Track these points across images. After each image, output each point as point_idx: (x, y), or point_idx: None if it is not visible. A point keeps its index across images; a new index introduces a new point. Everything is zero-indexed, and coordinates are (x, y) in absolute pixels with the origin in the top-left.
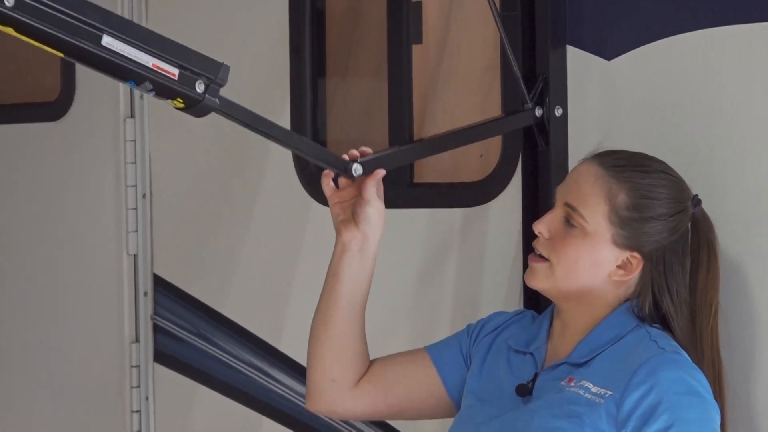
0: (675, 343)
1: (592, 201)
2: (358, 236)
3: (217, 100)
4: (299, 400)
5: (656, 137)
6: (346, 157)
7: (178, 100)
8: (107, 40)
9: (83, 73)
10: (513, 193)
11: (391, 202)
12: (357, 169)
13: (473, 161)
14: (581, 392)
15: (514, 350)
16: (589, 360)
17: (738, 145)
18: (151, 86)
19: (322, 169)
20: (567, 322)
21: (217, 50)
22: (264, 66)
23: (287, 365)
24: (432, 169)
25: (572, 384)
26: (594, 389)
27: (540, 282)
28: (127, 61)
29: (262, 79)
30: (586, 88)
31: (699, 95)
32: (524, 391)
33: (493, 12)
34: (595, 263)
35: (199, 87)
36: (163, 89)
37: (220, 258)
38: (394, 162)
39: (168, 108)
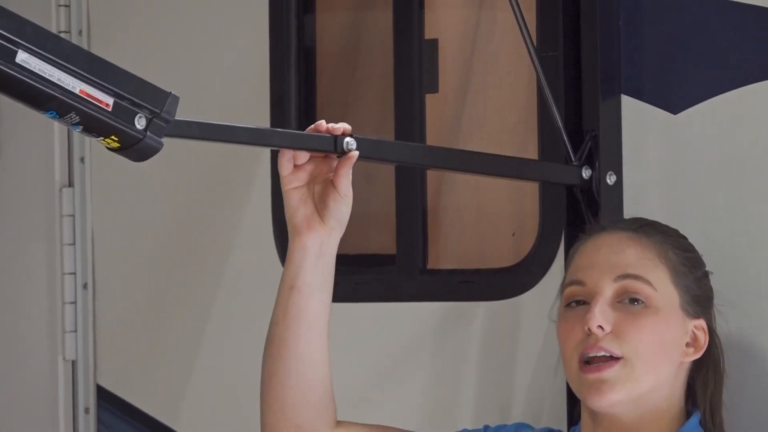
0: None
1: (648, 264)
2: (323, 238)
3: (162, 141)
4: None
5: (735, 206)
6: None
7: (113, 138)
8: (23, 57)
9: (8, 129)
10: (553, 282)
11: (398, 293)
12: (350, 144)
13: (503, 241)
14: None
15: None
16: None
17: None
18: (77, 118)
19: None
20: None
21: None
22: (237, 122)
23: None
24: (450, 252)
25: None
26: None
27: (618, 392)
28: (47, 85)
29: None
30: (646, 148)
31: None
32: None
33: (529, 50)
34: (675, 343)
35: (140, 122)
36: (92, 123)
37: (179, 365)
38: (395, 154)
39: (116, 175)
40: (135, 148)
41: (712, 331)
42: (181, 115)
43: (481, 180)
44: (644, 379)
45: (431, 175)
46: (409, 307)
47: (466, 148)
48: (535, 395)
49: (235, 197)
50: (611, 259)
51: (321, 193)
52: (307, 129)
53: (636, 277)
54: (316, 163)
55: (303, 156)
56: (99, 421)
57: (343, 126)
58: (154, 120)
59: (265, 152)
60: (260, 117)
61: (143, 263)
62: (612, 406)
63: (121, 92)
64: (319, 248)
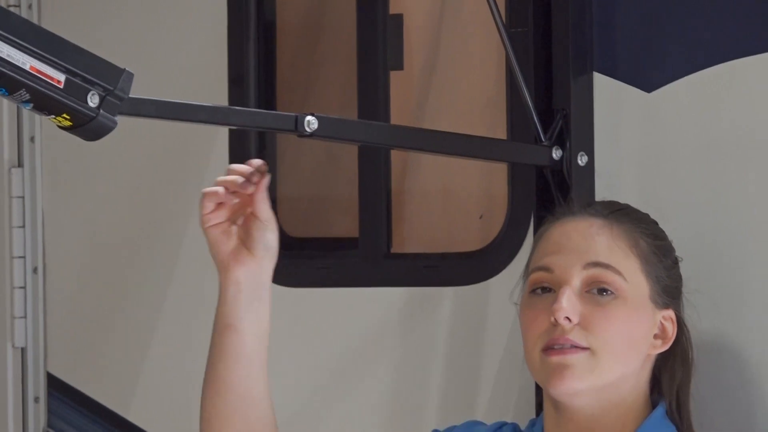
0: None
1: (619, 253)
2: (255, 269)
3: (116, 119)
4: None
5: (710, 187)
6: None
7: (64, 116)
8: None
9: None
10: (522, 267)
11: (361, 278)
12: (311, 123)
13: (470, 225)
14: None
15: None
16: None
17: None
18: (27, 96)
19: None
20: (583, 430)
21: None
22: (194, 101)
23: None
24: (415, 236)
25: None
26: None
27: (581, 380)
28: None
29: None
30: (619, 128)
31: (763, 133)
32: None
33: (498, 26)
34: (644, 335)
35: (93, 100)
36: (43, 101)
37: (133, 352)
38: (359, 134)
39: (68, 156)
40: (88, 127)
41: (680, 322)
42: (136, 92)
43: (448, 161)
44: (610, 372)
45: (396, 156)
46: (373, 292)
47: (433, 128)
48: (503, 382)
49: (191, 180)
50: (581, 246)
51: (244, 225)
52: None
53: (606, 267)
54: (236, 200)
55: (221, 196)
56: (49, 410)
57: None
58: (108, 98)
59: (223, 132)
60: (218, 95)
61: (96, 247)
62: (574, 395)
63: (73, 69)
64: (252, 280)
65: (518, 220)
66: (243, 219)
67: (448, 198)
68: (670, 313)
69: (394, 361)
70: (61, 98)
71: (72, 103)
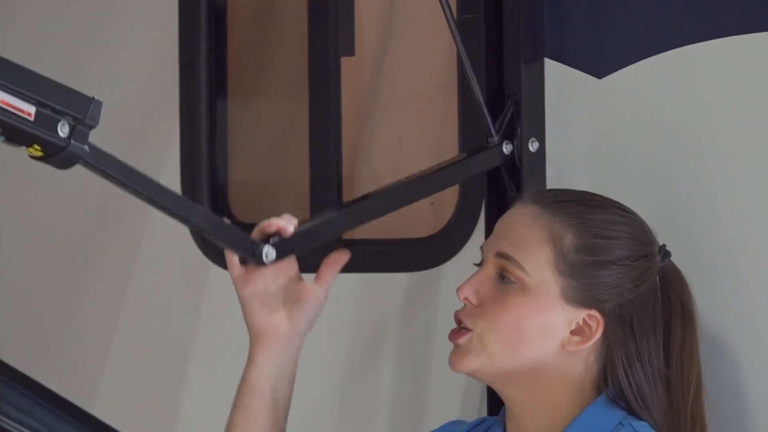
0: None
1: (531, 246)
2: (291, 344)
3: (86, 147)
4: None
5: (661, 174)
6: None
7: (35, 147)
8: None
9: None
10: (474, 252)
11: (311, 264)
12: (268, 253)
13: (421, 211)
14: None
15: None
16: None
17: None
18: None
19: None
20: (520, 416)
21: (79, 65)
22: (144, 86)
23: None
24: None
25: None
26: None
27: (468, 362)
28: None
29: (142, 103)
30: (570, 114)
31: (714, 118)
32: None
33: (445, 12)
34: (542, 329)
35: (63, 130)
36: (14, 133)
37: (87, 340)
38: (322, 236)
39: (17, 157)
40: (59, 157)
41: (615, 320)
42: (85, 82)
43: (398, 147)
44: (500, 359)
45: (347, 142)
46: None
47: (384, 114)
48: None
49: (147, 166)
50: (499, 233)
51: (287, 289)
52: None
53: (509, 258)
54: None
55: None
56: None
57: (265, 226)
58: (78, 126)
59: (173, 114)
60: (167, 82)
61: (46, 231)
62: (468, 374)
63: (42, 100)
64: (285, 353)
65: (469, 207)
66: (287, 283)
67: None
68: (594, 312)
69: (346, 346)
70: (31, 130)
71: (43, 135)
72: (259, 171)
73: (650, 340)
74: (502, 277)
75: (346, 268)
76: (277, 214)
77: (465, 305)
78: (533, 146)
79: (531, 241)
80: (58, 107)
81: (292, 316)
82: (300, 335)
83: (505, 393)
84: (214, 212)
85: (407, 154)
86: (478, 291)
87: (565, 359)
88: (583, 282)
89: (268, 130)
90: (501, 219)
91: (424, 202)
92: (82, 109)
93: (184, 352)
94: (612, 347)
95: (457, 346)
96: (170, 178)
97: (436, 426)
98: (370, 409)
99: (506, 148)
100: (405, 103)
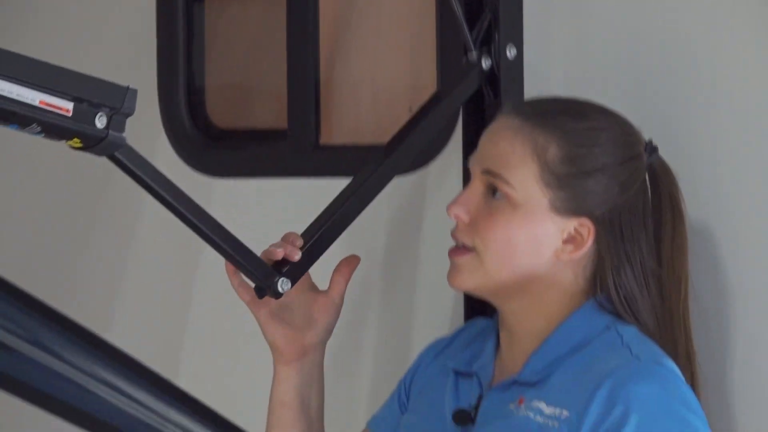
0: (656, 349)
1: (515, 160)
2: (314, 356)
3: (124, 135)
4: None
5: (640, 81)
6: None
7: (75, 140)
8: None
9: None
10: (451, 158)
11: (289, 169)
12: (284, 284)
13: (399, 116)
14: (532, 415)
15: (458, 373)
16: (545, 376)
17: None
18: (39, 128)
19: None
20: (514, 327)
21: None
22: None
23: (159, 387)
24: (345, 127)
25: (522, 406)
26: (548, 410)
27: (467, 280)
28: (6, 102)
29: (119, 8)
30: (548, 20)
31: (694, 21)
32: (463, 419)
33: None
34: (534, 240)
35: (101, 121)
36: (54, 130)
37: (67, 241)
38: (326, 245)
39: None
40: (98, 147)
41: (605, 226)
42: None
43: (377, 52)
44: (496, 273)
45: (324, 46)
46: (302, 183)
47: (363, 18)
48: (438, 273)
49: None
50: (484, 149)
51: (303, 301)
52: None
53: (495, 174)
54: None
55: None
56: None
57: (284, 251)
58: (114, 116)
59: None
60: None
61: (40, 228)
62: (464, 289)
63: (79, 96)
64: (309, 363)
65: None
66: (305, 297)
67: (377, 89)
68: (584, 220)
69: (325, 257)
70: (70, 126)
71: (81, 129)
72: (237, 75)
73: (641, 240)
74: (492, 192)
75: (324, 173)
76: (254, 120)
77: (457, 223)
78: (511, 52)
79: (514, 156)
80: (95, 101)
81: (310, 328)
82: (321, 343)
83: (503, 306)
84: (191, 118)
85: (385, 59)
86: (468, 208)
87: (559, 269)
88: (570, 192)
89: (245, 35)
90: (484, 133)
91: (403, 107)
92: (118, 99)
93: (177, 340)
94: (603, 252)
95: (454, 265)
96: (147, 82)
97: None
98: (354, 315)
99: (485, 63)
100: (383, 8)
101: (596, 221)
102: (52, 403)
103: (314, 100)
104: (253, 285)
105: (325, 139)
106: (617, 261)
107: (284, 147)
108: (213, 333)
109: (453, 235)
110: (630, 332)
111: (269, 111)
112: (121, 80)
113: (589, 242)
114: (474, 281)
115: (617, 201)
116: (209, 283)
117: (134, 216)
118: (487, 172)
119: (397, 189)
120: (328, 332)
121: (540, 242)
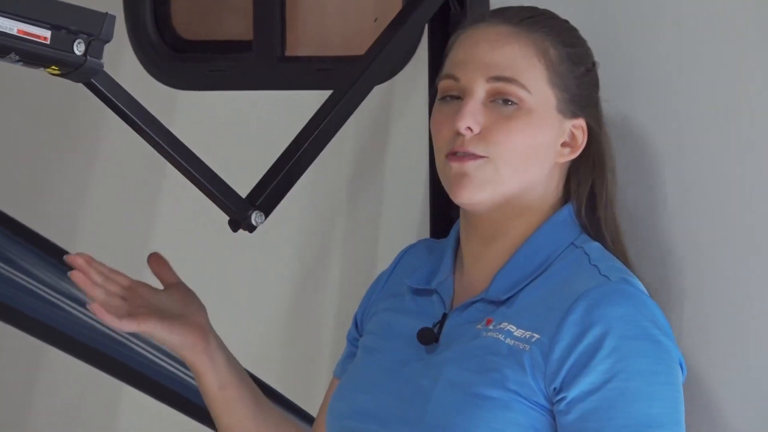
0: (622, 266)
1: (524, 64)
2: (204, 335)
3: (102, 61)
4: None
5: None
6: None
7: (53, 67)
8: None
9: None
10: (418, 67)
11: (255, 81)
12: (257, 217)
13: (365, 27)
14: (501, 337)
15: (414, 290)
16: (512, 296)
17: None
18: (17, 57)
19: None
20: (490, 240)
21: None
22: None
23: None
24: (310, 39)
25: (491, 327)
26: (518, 332)
27: (480, 189)
28: None
29: None
30: None
31: None
32: (428, 338)
33: None
34: (546, 145)
35: (79, 48)
36: (32, 57)
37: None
38: (305, 165)
39: None
40: (77, 72)
41: (592, 130)
42: None
43: None
44: (510, 181)
45: None
46: (267, 95)
47: None
48: (405, 186)
49: None
50: (486, 57)
51: (169, 297)
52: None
53: (508, 80)
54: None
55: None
56: None
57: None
58: (93, 42)
59: None
60: None
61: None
62: (475, 204)
63: (57, 23)
64: (218, 343)
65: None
66: (166, 297)
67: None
68: (580, 121)
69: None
70: (48, 53)
71: (59, 56)
72: None
73: (608, 148)
74: (504, 100)
75: (290, 86)
76: (219, 31)
77: (464, 136)
78: None
79: (522, 60)
80: (72, 28)
81: (193, 311)
82: (208, 322)
83: (488, 217)
84: (157, 29)
85: None
86: (477, 119)
87: (551, 174)
88: (572, 92)
89: None
90: (470, 45)
91: (369, 18)
92: (96, 26)
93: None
94: (588, 160)
95: (464, 175)
96: None
97: None
98: (321, 239)
99: None
100: None
101: (589, 122)
102: (20, 318)
103: (280, 11)
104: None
105: (291, 50)
106: (598, 168)
107: (250, 58)
108: (178, 255)
109: (457, 148)
110: (596, 250)
111: (236, 22)
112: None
113: (584, 143)
114: (486, 191)
115: (597, 102)
116: (175, 203)
117: (102, 134)
118: (498, 79)
119: (366, 101)
120: (204, 309)
121: (547, 147)
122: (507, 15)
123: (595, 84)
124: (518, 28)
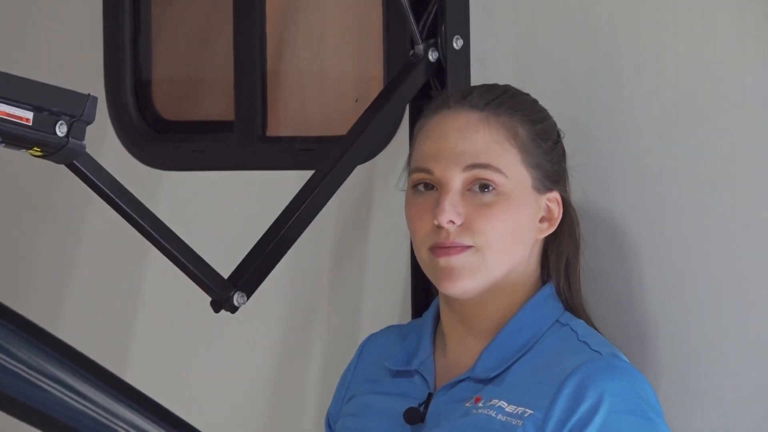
0: (608, 342)
1: (497, 149)
2: None
3: (84, 143)
4: None
5: (589, 66)
6: None
7: (35, 148)
8: None
9: None
10: (398, 150)
11: (236, 161)
12: (240, 298)
13: (346, 108)
14: (493, 413)
15: (394, 372)
16: (500, 373)
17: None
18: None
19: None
20: (472, 321)
21: None
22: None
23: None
24: (291, 119)
25: (480, 404)
26: (509, 408)
27: (470, 280)
28: None
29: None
30: (493, 11)
31: (638, 13)
32: (415, 417)
33: None
34: (527, 225)
35: (61, 129)
36: (14, 139)
37: (16, 237)
38: (287, 246)
39: None
40: (59, 154)
41: (566, 201)
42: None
43: (324, 43)
44: (497, 267)
45: (271, 38)
46: (248, 175)
47: (308, 10)
48: (387, 264)
49: None
50: (458, 147)
51: None
52: None
53: (484, 166)
54: None
55: None
56: None
57: None
58: (75, 124)
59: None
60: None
61: None
62: (465, 293)
63: (40, 105)
64: None
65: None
66: None
67: (324, 80)
68: (555, 194)
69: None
70: (30, 135)
71: (42, 138)
72: (183, 67)
73: (576, 215)
74: (481, 186)
75: (272, 165)
76: (201, 111)
77: (445, 229)
78: (457, 44)
79: (495, 145)
80: (55, 109)
81: None
82: None
83: (473, 299)
84: (138, 110)
85: (331, 50)
86: (458, 210)
87: (531, 251)
88: (544, 168)
89: (192, 26)
90: (439, 136)
91: (350, 99)
92: (78, 107)
93: (126, 338)
94: (562, 231)
95: (453, 268)
96: (94, 74)
97: None
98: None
99: (432, 56)
100: (326, 12)
101: (562, 193)
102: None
103: (261, 91)
104: None
105: (272, 131)
106: (571, 236)
107: (231, 139)
108: (160, 332)
109: (443, 243)
110: (582, 326)
111: (217, 103)
112: (68, 73)
113: (560, 215)
114: (477, 280)
115: (566, 171)
116: (158, 282)
117: (85, 214)
118: (475, 166)
119: (349, 179)
120: None
121: (528, 226)
122: (471, 101)
123: (562, 154)
124: (485, 113)
